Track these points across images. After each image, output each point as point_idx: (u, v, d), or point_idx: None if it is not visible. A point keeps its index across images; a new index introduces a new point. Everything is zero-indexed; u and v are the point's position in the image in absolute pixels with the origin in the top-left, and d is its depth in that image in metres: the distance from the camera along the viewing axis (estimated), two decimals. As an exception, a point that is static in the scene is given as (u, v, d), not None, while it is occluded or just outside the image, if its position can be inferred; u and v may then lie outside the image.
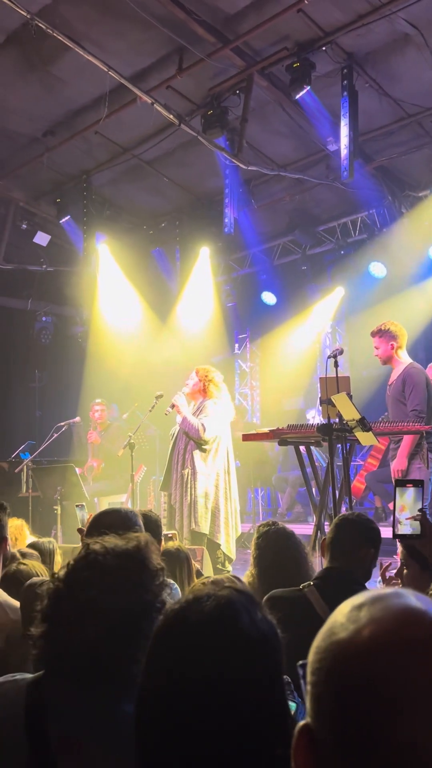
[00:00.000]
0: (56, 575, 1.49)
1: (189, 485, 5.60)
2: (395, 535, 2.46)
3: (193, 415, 5.75)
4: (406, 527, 2.24)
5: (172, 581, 2.86)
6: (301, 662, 0.82)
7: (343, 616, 0.76)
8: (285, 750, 0.79)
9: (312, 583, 2.46)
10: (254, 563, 2.96)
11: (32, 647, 1.45)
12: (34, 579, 2.87)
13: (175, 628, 1.09)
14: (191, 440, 5.68)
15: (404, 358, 5.29)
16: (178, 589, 2.99)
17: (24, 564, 3.22)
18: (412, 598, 0.76)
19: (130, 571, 1.45)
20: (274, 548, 2.93)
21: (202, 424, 5.61)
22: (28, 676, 1.47)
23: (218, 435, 5.78)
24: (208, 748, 0.98)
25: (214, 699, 1.00)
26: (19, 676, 1.48)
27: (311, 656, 0.77)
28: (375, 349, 5.34)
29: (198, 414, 5.76)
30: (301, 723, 0.76)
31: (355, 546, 2.60)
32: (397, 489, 2.27)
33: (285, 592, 2.49)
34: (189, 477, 5.62)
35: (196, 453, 5.67)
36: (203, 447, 5.68)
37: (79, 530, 3.45)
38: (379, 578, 2.89)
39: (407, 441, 4.98)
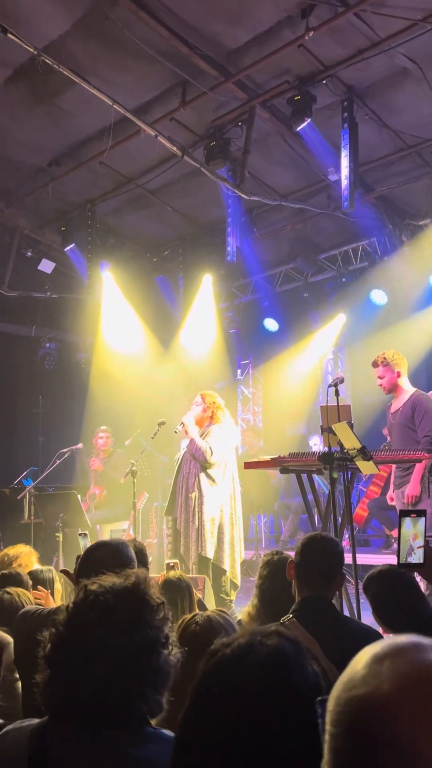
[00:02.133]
0: (56, 620, 1.47)
1: (196, 509, 5.61)
2: (400, 564, 2.48)
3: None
4: (417, 555, 2.26)
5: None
6: (320, 699, 0.81)
7: (363, 667, 0.75)
8: None
9: (291, 615, 2.44)
10: (258, 593, 2.96)
11: (37, 694, 1.43)
12: (29, 608, 2.87)
13: (225, 674, 1.06)
14: (197, 462, 5.71)
15: (408, 386, 5.35)
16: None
17: (8, 593, 3.20)
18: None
19: (133, 608, 1.45)
20: (281, 578, 2.91)
21: (210, 447, 5.67)
22: (35, 721, 1.45)
23: (225, 459, 5.82)
24: None
25: (257, 747, 0.99)
26: (27, 722, 1.46)
27: (331, 704, 0.76)
28: (379, 379, 5.36)
29: (204, 438, 5.81)
30: None
31: (334, 570, 2.61)
32: (409, 519, 2.29)
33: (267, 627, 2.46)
34: (196, 501, 5.63)
35: (203, 477, 5.69)
36: (209, 471, 5.71)
37: (65, 571, 3.35)
38: None
39: (420, 467, 5.00)
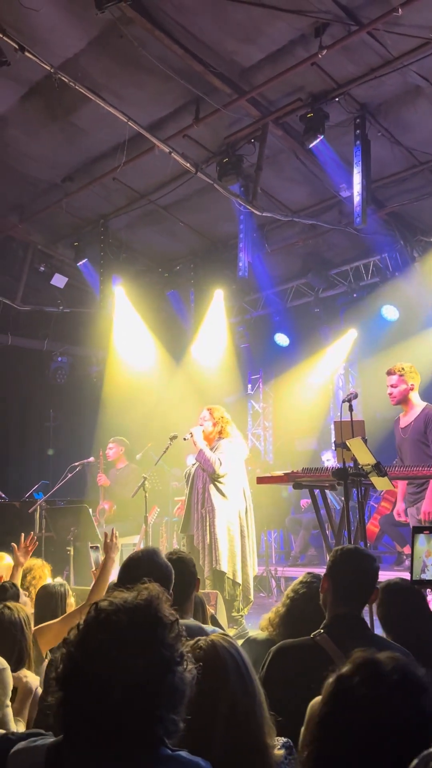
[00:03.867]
0: (67, 639, 1.43)
1: (208, 524, 5.63)
2: (413, 581, 2.46)
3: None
4: (431, 572, 2.26)
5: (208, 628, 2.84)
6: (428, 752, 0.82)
7: None
8: None
9: (322, 630, 2.42)
10: (289, 603, 2.91)
11: (51, 716, 1.39)
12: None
13: (360, 700, 1.07)
14: (206, 474, 5.72)
15: (418, 400, 5.32)
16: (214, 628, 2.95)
17: (8, 608, 3.17)
18: None
19: (145, 627, 1.40)
20: (314, 603, 2.78)
21: (218, 459, 5.71)
22: (49, 739, 1.42)
23: (234, 473, 5.83)
24: None
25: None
26: (40, 741, 1.43)
27: None
28: (391, 387, 5.31)
29: (214, 452, 5.84)
30: None
31: (370, 587, 2.57)
32: (422, 535, 2.28)
33: (296, 641, 2.45)
34: (207, 515, 5.65)
35: (214, 491, 5.71)
36: (219, 486, 5.71)
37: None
38: None
39: None
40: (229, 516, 5.69)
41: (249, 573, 5.72)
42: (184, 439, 6.00)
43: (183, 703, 1.42)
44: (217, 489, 5.71)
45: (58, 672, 1.40)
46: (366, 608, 2.71)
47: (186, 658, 1.45)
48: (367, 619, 4.15)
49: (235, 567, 5.62)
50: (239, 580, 5.60)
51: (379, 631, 2.96)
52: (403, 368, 5.28)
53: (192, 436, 5.88)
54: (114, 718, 1.31)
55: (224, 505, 5.69)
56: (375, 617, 3.04)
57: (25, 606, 3.48)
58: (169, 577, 2.55)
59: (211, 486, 5.70)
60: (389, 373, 5.34)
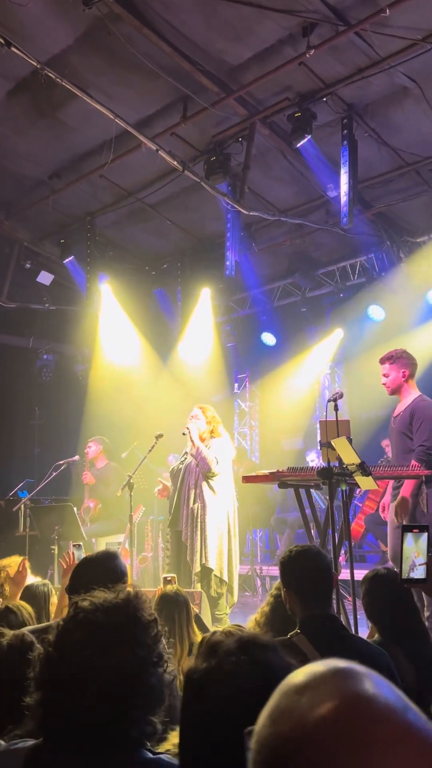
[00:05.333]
0: (46, 639, 1.43)
1: (199, 520, 5.65)
2: (402, 581, 2.47)
3: None
4: (419, 571, 2.26)
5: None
6: (248, 729, 0.73)
7: (284, 699, 0.68)
8: None
9: (299, 630, 2.43)
10: (273, 603, 2.92)
11: (29, 717, 1.39)
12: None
13: (201, 677, 1.07)
14: (201, 471, 5.74)
15: (413, 390, 5.04)
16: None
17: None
18: (367, 681, 0.67)
19: (122, 627, 1.39)
20: None
21: (215, 457, 5.74)
22: (29, 742, 1.41)
23: (226, 472, 5.88)
24: None
25: None
26: (20, 744, 1.42)
27: (253, 741, 0.69)
28: (383, 377, 5.05)
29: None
30: None
31: (329, 586, 2.59)
32: (411, 534, 2.29)
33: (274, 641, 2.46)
34: (199, 512, 5.67)
35: (206, 488, 5.74)
36: (212, 482, 5.75)
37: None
38: None
39: (409, 482, 4.83)
40: (219, 514, 5.73)
41: (234, 572, 5.74)
42: (183, 434, 6.02)
43: (160, 704, 1.40)
44: (210, 486, 5.74)
45: (36, 672, 1.39)
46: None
47: (165, 659, 1.44)
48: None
49: (222, 565, 5.64)
50: (226, 578, 5.62)
51: (364, 631, 2.99)
52: (394, 354, 5.01)
53: (189, 431, 5.89)
54: (89, 719, 1.30)
55: (215, 503, 5.73)
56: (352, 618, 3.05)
57: None
58: (122, 581, 2.52)
59: (204, 483, 5.73)
60: (381, 361, 5.07)
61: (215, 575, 5.59)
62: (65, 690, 1.33)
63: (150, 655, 1.40)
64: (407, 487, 4.79)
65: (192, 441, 5.87)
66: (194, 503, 5.72)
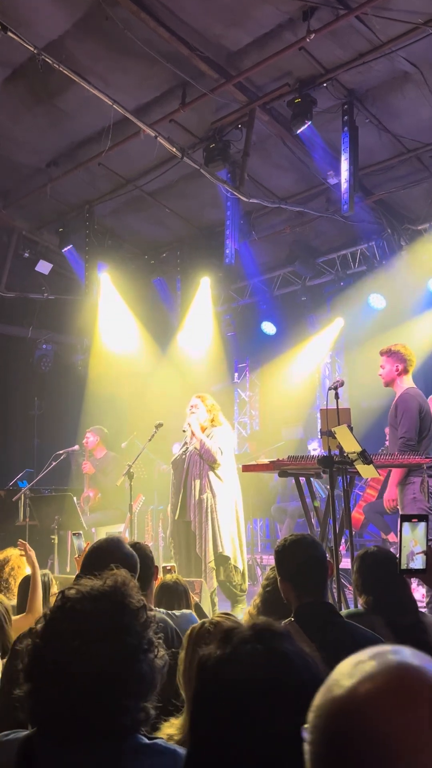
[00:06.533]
0: (34, 630, 1.41)
1: (210, 509, 5.64)
2: (401, 571, 2.45)
3: None
4: (418, 561, 2.24)
5: (166, 613, 2.81)
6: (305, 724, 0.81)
7: (340, 673, 0.76)
8: None
9: (292, 618, 2.42)
10: (263, 594, 2.93)
11: (19, 709, 1.36)
12: None
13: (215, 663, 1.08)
14: (207, 464, 5.74)
15: (405, 384, 5.19)
16: (195, 616, 2.94)
17: None
18: (409, 654, 0.76)
19: (109, 615, 1.38)
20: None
21: (219, 448, 5.74)
22: (21, 733, 1.39)
23: (230, 461, 5.90)
24: None
25: None
26: (12, 736, 1.40)
27: (310, 715, 0.76)
28: (380, 367, 5.24)
29: (209, 440, 5.86)
30: None
31: (324, 574, 2.59)
32: (408, 524, 2.27)
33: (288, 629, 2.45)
34: (209, 502, 5.66)
35: (213, 478, 5.74)
36: (218, 471, 5.75)
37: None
38: None
39: (396, 471, 4.95)
40: (228, 502, 5.75)
41: (245, 557, 5.81)
42: (183, 431, 6.00)
43: (153, 690, 1.39)
44: (216, 476, 5.75)
45: (25, 663, 1.37)
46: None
47: (156, 644, 1.42)
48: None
49: (236, 552, 5.69)
50: (239, 564, 5.67)
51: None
52: (391, 348, 5.18)
53: (190, 426, 5.87)
54: (79, 709, 1.29)
55: (223, 491, 5.74)
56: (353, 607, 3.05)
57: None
58: (135, 566, 2.49)
59: (210, 473, 5.73)
60: (381, 353, 5.25)
61: (231, 563, 5.60)
62: (54, 681, 1.31)
63: (140, 641, 1.38)
64: (394, 477, 4.97)
65: (194, 435, 5.84)
66: (202, 493, 5.71)
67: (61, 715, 1.30)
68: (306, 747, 0.76)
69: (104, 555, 2.50)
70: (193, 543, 5.71)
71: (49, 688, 1.31)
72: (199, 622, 1.85)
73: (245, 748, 0.99)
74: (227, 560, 5.60)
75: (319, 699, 0.76)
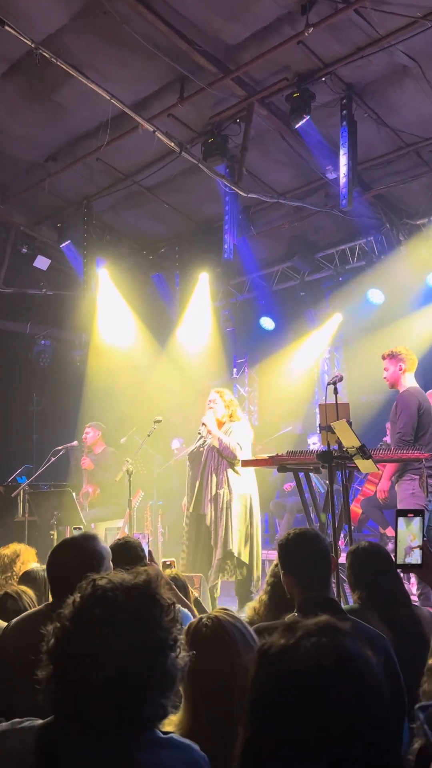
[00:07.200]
0: (61, 613, 1.41)
1: (225, 506, 5.63)
2: (397, 565, 2.45)
3: None
4: (415, 555, 2.24)
5: (184, 610, 2.82)
6: (419, 705, 0.80)
7: None
8: None
9: (296, 613, 2.43)
10: (269, 590, 2.94)
11: (40, 691, 1.37)
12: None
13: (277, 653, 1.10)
14: (227, 460, 5.73)
15: (407, 382, 5.39)
16: (189, 614, 2.94)
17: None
18: None
19: (143, 607, 1.38)
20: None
21: (238, 443, 5.73)
22: (37, 722, 1.39)
23: (247, 456, 5.88)
24: None
25: None
26: (27, 723, 1.40)
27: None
28: (384, 371, 5.46)
29: (227, 436, 5.85)
30: None
31: (327, 569, 2.60)
32: (403, 519, 2.27)
33: (270, 624, 2.47)
34: (225, 497, 5.66)
35: (231, 474, 5.72)
36: (236, 467, 5.74)
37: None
38: None
39: (390, 465, 5.11)
40: (245, 497, 5.73)
41: (259, 552, 5.78)
42: (199, 433, 5.98)
43: (174, 688, 1.40)
44: (234, 471, 5.74)
45: (50, 646, 1.37)
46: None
47: (179, 643, 1.43)
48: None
49: (245, 549, 5.68)
50: (253, 562, 5.67)
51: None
52: (392, 351, 5.41)
53: (206, 426, 5.86)
54: (102, 697, 1.29)
55: (240, 486, 5.72)
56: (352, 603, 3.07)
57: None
58: (98, 563, 2.33)
59: (228, 468, 5.73)
60: (383, 357, 5.49)
61: (239, 558, 5.60)
62: (81, 666, 1.31)
63: (168, 637, 1.39)
64: (388, 470, 5.15)
65: (210, 433, 5.82)
66: (219, 488, 5.70)
67: (84, 701, 1.30)
68: None
69: (62, 552, 2.43)
70: (204, 536, 5.73)
71: (76, 673, 1.32)
72: (196, 618, 1.85)
73: (300, 735, 1.00)
74: (233, 556, 5.60)
75: None
